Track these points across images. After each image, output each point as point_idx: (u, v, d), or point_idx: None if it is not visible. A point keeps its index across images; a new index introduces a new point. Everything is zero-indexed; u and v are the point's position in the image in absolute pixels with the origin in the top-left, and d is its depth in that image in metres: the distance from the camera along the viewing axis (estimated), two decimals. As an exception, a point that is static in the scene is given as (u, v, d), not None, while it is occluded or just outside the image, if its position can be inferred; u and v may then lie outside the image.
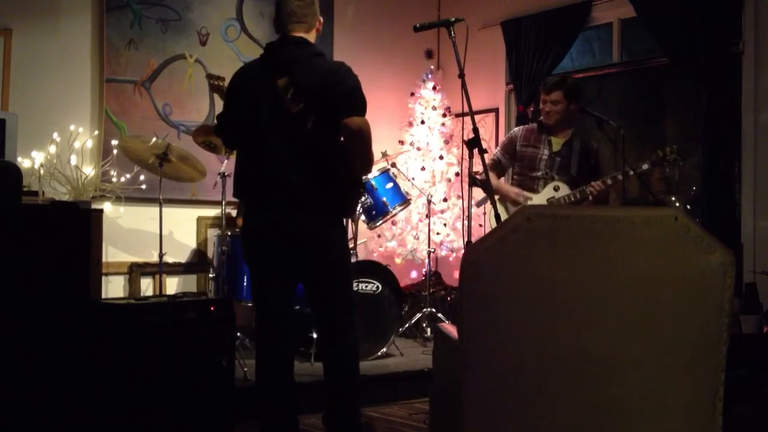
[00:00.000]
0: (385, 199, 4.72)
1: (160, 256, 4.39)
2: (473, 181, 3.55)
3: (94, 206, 4.08)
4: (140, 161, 4.50)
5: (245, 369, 3.96)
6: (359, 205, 4.65)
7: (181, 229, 5.25)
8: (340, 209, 3.11)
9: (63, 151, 4.61)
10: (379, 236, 5.82)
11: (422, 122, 5.95)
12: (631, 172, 4.10)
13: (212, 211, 5.30)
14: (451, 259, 5.93)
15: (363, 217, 4.82)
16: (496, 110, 6.15)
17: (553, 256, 1.71)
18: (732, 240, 4.49)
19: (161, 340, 3.18)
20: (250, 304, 4.21)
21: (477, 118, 3.38)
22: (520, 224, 1.70)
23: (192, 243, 5.31)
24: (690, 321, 1.75)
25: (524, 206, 1.77)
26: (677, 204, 5.07)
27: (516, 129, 4.58)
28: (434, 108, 5.99)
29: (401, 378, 4.29)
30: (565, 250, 1.71)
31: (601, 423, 1.75)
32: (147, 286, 5.04)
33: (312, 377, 3.95)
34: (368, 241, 5.86)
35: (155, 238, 4.46)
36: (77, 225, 3.39)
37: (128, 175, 4.79)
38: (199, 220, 5.33)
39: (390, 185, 4.80)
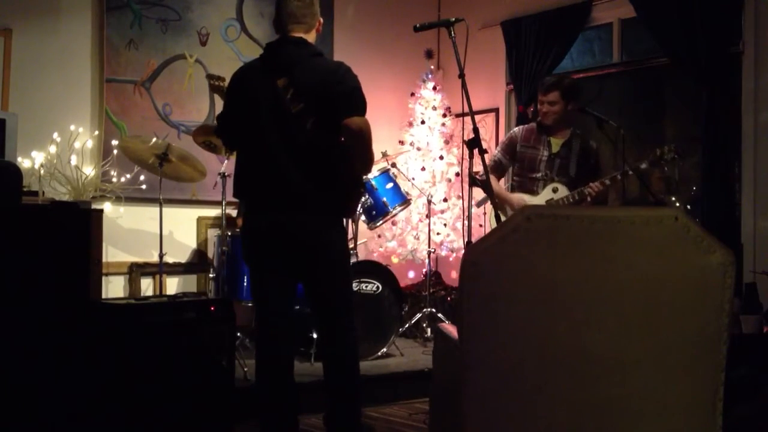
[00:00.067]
0: (385, 199, 4.72)
1: (160, 256, 4.39)
2: (473, 181, 3.55)
3: (94, 206, 4.08)
4: (140, 161, 4.50)
5: (245, 369, 3.96)
6: (359, 205, 4.65)
7: (181, 229, 5.25)
8: (340, 209, 3.11)
9: (63, 151, 4.61)
10: (379, 236, 5.82)
11: (422, 122, 5.95)
12: (630, 172, 4.10)
13: (212, 211, 5.30)
14: (451, 259, 5.93)
15: (363, 217, 4.82)
16: (496, 110, 6.15)
17: (553, 256, 1.71)
18: (732, 240, 4.49)
19: (161, 340, 3.18)
20: (250, 304, 4.21)
21: (477, 118, 3.38)
22: (520, 224, 1.70)
23: (192, 243, 5.31)
24: (690, 321, 1.75)
25: (524, 206, 1.77)
26: (677, 204, 5.07)
27: (516, 129, 4.57)
28: (434, 108, 5.99)
29: (401, 378, 4.29)
30: (565, 250, 1.71)
31: (601, 423, 1.75)
32: (147, 286, 5.04)
33: (312, 377, 3.95)
34: (368, 241, 5.86)
35: (155, 238, 4.46)
36: (77, 225, 3.39)
37: (128, 175, 4.79)
38: (199, 220, 5.33)
39: (390, 185, 4.80)
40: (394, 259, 5.80)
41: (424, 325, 5.34)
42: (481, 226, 5.31)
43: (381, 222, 4.89)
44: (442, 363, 2.54)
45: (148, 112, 5.12)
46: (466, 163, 3.35)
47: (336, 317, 3.07)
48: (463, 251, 4.73)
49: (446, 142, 5.93)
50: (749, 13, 4.69)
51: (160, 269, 4.49)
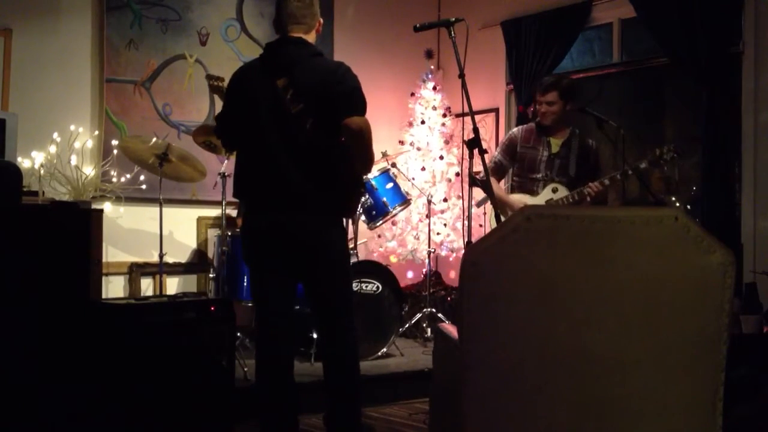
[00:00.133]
0: (385, 199, 4.72)
1: (161, 256, 4.39)
2: (473, 181, 3.54)
3: (94, 206, 4.09)
4: (140, 161, 4.50)
5: (245, 369, 3.96)
6: (359, 205, 4.65)
7: (181, 229, 5.25)
8: (340, 209, 3.11)
9: (63, 151, 4.61)
10: (379, 236, 5.82)
11: (422, 122, 5.95)
12: (630, 172, 4.10)
13: (212, 211, 5.30)
14: (451, 259, 5.93)
15: (363, 217, 4.82)
16: (496, 110, 6.15)
17: (553, 256, 1.71)
18: (732, 240, 4.49)
19: (161, 340, 3.18)
20: (250, 304, 4.21)
21: (477, 118, 3.38)
22: (520, 224, 1.70)
23: (192, 243, 5.31)
24: (690, 321, 1.75)
25: (524, 206, 1.77)
26: (677, 204, 5.07)
27: (515, 130, 4.57)
28: (434, 108, 5.99)
29: (401, 378, 4.29)
30: (565, 250, 1.71)
31: (601, 423, 1.75)
32: (147, 286, 5.04)
33: (312, 377, 3.95)
34: (368, 241, 5.86)
35: (155, 238, 4.46)
36: (77, 225, 3.40)
37: (128, 175, 4.79)
38: (199, 220, 5.33)
39: (390, 185, 4.80)
40: (393, 258, 5.80)
41: (424, 325, 5.34)
42: (481, 226, 5.31)
43: (381, 222, 4.89)
44: (442, 363, 2.54)
45: (148, 112, 5.12)
46: (466, 163, 3.35)
47: (336, 317, 3.07)
48: (463, 251, 4.73)
49: (446, 142, 5.93)
50: (749, 13, 4.69)
51: (160, 269, 4.49)
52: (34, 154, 4.47)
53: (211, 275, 4.69)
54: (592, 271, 1.72)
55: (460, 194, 5.33)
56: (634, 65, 5.50)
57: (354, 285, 4.39)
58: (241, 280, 4.40)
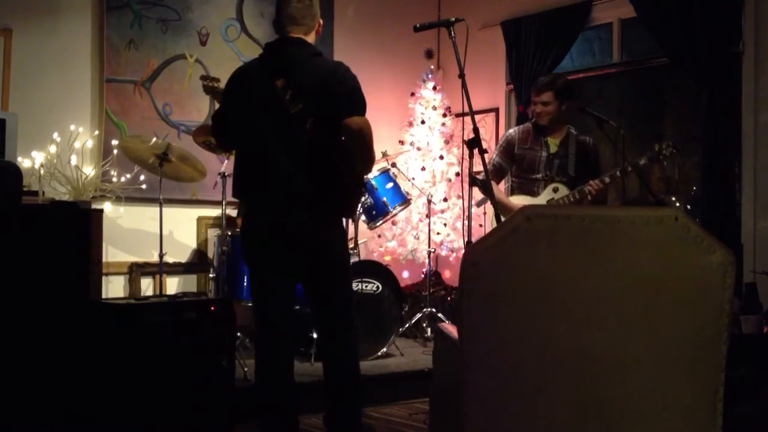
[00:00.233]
0: (385, 199, 4.72)
1: (161, 256, 4.39)
2: (473, 181, 3.54)
3: (94, 206, 4.08)
4: (140, 161, 4.50)
5: (245, 369, 3.96)
6: (359, 205, 4.65)
7: (181, 229, 5.25)
8: (340, 209, 3.11)
9: (63, 151, 4.61)
10: (379, 236, 5.82)
11: (422, 122, 5.95)
12: (629, 169, 4.09)
13: (212, 211, 5.30)
14: (451, 259, 5.93)
15: (363, 217, 4.82)
16: (496, 110, 6.15)
17: (553, 256, 1.71)
18: (732, 240, 4.49)
19: (161, 340, 3.18)
20: (250, 304, 4.21)
21: (477, 118, 3.38)
22: (520, 224, 1.70)
23: (192, 243, 5.31)
24: (690, 321, 1.75)
25: (524, 206, 1.77)
26: (677, 204, 5.07)
27: (511, 131, 4.54)
28: (434, 108, 5.99)
29: (401, 378, 4.29)
30: (565, 250, 1.71)
31: (601, 423, 1.75)
32: (147, 286, 5.04)
33: (312, 377, 3.95)
34: (368, 241, 5.86)
35: (155, 238, 4.46)
36: (77, 225, 3.40)
37: (128, 175, 4.78)
38: (199, 220, 5.33)
39: (390, 185, 4.80)
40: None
41: (424, 325, 5.34)
42: (481, 226, 5.31)
43: (381, 222, 4.89)
44: (442, 363, 2.54)
45: (148, 112, 5.12)
46: (466, 163, 3.35)
47: (336, 317, 3.07)
48: (463, 251, 4.73)
49: (446, 142, 5.93)
50: (749, 13, 4.69)
51: (160, 269, 4.49)
52: (34, 154, 4.47)
53: (211, 275, 4.68)
54: (592, 271, 1.72)
55: (460, 194, 5.33)
56: (634, 65, 5.50)
57: (354, 285, 4.39)
58: (241, 280, 4.40)
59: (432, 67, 6.20)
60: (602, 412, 1.75)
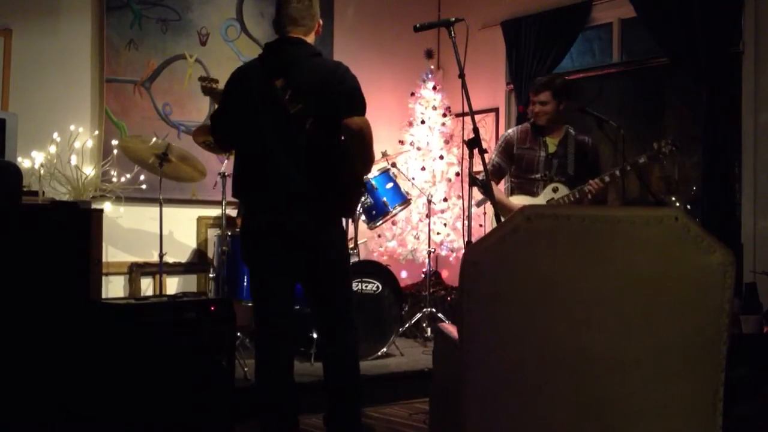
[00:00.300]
0: (385, 199, 4.72)
1: (160, 256, 4.39)
2: (473, 181, 3.54)
3: (94, 206, 4.08)
4: (140, 161, 4.50)
5: (245, 369, 3.96)
6: (359, 205, 4.65)
7: (181, 229, 5.25)
8: (340, 209, 3.11)
9: (63, 151, 4.61)
10: (379, 236, 5.82)
11: (422, 122, 5.95)
12: (629, 168, 4.09)
13: (212, 211, 5.30)
14: (451, 259, 5.93)
15: (363, 217, 4.82)
16: (496, 110, 6.15)
17: (553, 256, 1.71)
18: (732, 240, 4.49)
19: (161, 340, 3.18)
20: (250, 304, 4.21)
21: (477, 118, 3.38)
22: (520, 224, 1.70)
23: (192, 243, 5.31)
24: (690, 321, 1.75)
25: (524, 206, 1.77)
26: (677, 204, 5.07)
27: (510, 131, 4.54)
28: (434, 108, 5.99)
29: (401, 378, 4.29)
30: (565, 250, 1.71)
31: (601, 423, 1.75)
32: (147, 286, 5.04)
33: (312, 377, 3.95)
34: (368, 241, 5.86)
35: (155, 238, 4.46)
36: (77, 225, 3.40)
37: (128, 175, 4.79)
38: (199, 220, 5.33)
39: (390, 185, 4.80)
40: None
41: (424, 325, 5.34)
42: (481, 226, 5.31)
43: (381, 222, 4.89)
44: (442, 363, 2.54)
45: (148, 112, 5.12)
46: (466, 163, 3.35)
47: (336, 317, 3.07)
48: (463, 251, 4.73)
49: (446, 142, 5.94)
50: (749, 13, 4.69)
51: (160, 269, 4.49)
52: (34, 154, 4.47)
53: (211, 275, 4.68)
54: (592, 271, 1.72)
55: (460, 194, 5.33)
56: (634, 65, 5.50)
57: (354, 285, 4.39)
58: (241, 280, 4.40)
59: (432, 67, 6.20)
60: (602, 412, 1.74)
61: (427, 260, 5.51)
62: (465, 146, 3.15)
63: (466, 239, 3.43)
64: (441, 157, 5.86)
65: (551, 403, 1.74)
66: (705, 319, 1.76)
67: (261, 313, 3.08)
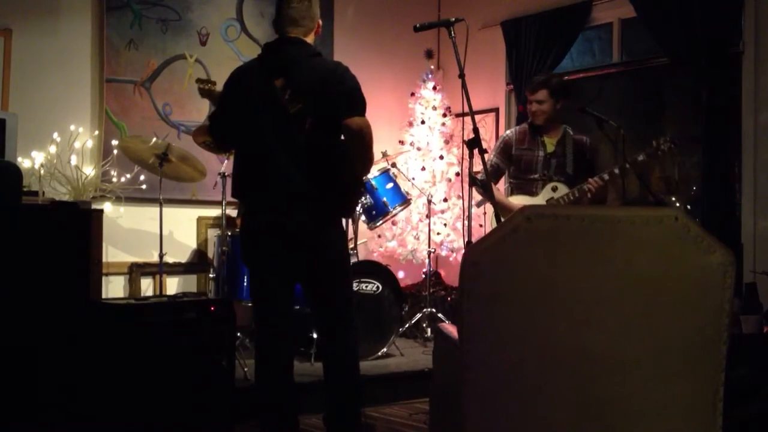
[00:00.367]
0: (385, 199, 4.72)
1: (161, 256, 4.39)
2: (473, 181, 3.54)
3: (94, 206, 4.08)
4: (140, 161, 4.50)
5: (245, 369, 3.96)
6: (359, 205, 4.65)
7: (181, 229, 5.25)
8: (340, 209, 3.11)
9: (63, 151, 4.61)
10: (379, 236, 5.82)
11: (422, 122, 5.95)
12: (628, 165, 4.09)
13: (212, 211, 5.30)
14: (451, 259, 5.93)
15: (363, 217, 4.82)
16: (496, 110, 6.15)
17: (553, 256, 1.71)
18: (732, 240, 4.49)
19: (161, 340, 3.18)
20: (250, 304, 4.21)
21: (477, 118, 3.38)
22: (520, 224, 1.70)
23: (192, 243, 5.31)
24: (690, 321, 1.75)
25: (524, 206, 1.77)
26: (677, 204, 5.07)
27: (508, 132, 4.56)
28: (434, 108, 5.99)
29: (401, 378, 4.29)
30: (565, 250, 1.71)
31: (601, 423, 1.75)
32: (147, 286, 5.04)
33: (312, 377, 3.95)
34: (368, 241, 5.86)
35: (155, 238, 4.46)
36: (77, 225, 3.40)
37: (128, 175, 4.78)
38: (199, 220, 5.33)
39: (390, 185, 4.80)
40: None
41: (424, 325, 5.34)
42: (481, 226, 5.31)
43: (381, 222, 4.89)
44: (442, 363, 2.54)
45: (148, 112, 5.12)
46: (466, 163, 3.35)
47: (336, 317, 3.07)
48: (463, 251, 4.73)
49: (446, 142, 5.94)
50: (749, 13, 4.69)
51: (160, 269, 4.49)
52: (34, 154, 4.47)
53: (211, 275, 4.69)
54: (592, 271, 1.72)
55: (460, 194, 5.33)
56: (634, 65, 5.50)
57: (354, 285, 4.39)
58: (241, 280, 4.40)
59: (432, 67, 6.20)
60: (602, 412, 1.74)
61: (427, 260, 5.51)
62: (465, 146, 3.15)
63: (466, 239, 3.43)
64: (441, 157, 5.86)
65: (551, 403, 1.74)
66: (705, 319, 1.76)
67: (261, 313, 3.08)
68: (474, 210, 3.96)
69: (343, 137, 2.96)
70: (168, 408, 3.17)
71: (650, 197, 4.37)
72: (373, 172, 4.69)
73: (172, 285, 5.17)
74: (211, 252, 4.98)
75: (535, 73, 5.60)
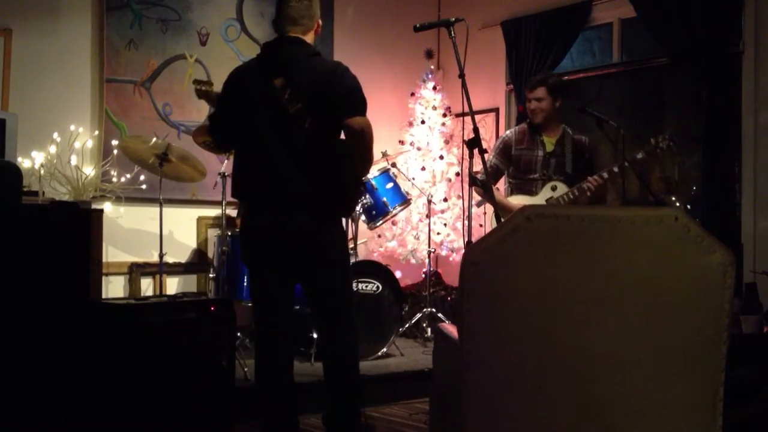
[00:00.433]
0: (385, 199, 4.72)
1: (160, 256, 4.39)
2: (473, 181, 3.55)
3: (94, 206, 4.08)
4: (140, 161, 4.50)
5: (245, 369, 3.96)
6: (359, 205, 4.65)
7: (181, 229, 5.25)
8: (340, 209, 3.11)
9: (63, 151, 4.61)
10: (379, 236, 5.82)
11: (422, 122, 5.95)
12: (627, 164, 4.09)
13: (212, 211, 5.30)
14: (451, 259, 5.93)
15: (363, 217, 4.82)
16: (496, 110, 6.15)
17: (553, 256, 1.71)
18: (732, 240, 4.49)
19: (161, 340, 3.18)
20: (250, 304, 4.21)
21: (477, 118, 3.38)
22: (520, 224, 1.70)
23: (192, 243, 5.31)
24: (690, 321, 1.75)
25: (524, 206, 1.77)
26: (677, 204, 5.07)
27: (508, 132, 4.56)
28: (434, 108, 5.99)
29: (401, 378, 4.29)
30: (565, 250, 1.71)
31: (601, 423, 1.75)
32: (147, 286, 5.04)
33: (312, 377, 3.95)
34: (368, 241, 5.86)
35: (155, 238, 4.46)
36: (77, 225, 3.40)
37: (128, 175, 4.78)
38: (199, 220, 5.33)
39: (390, 185, 4.80)
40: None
41: (424, 325, 5.34)
42: (481, 226, 5.31)
43: (381, 222, 4.89)
44: (442, 363, 2.54)
45: (148, 112, 5.12)
46: (466, 163, 3.35)
47: (336, 317, 3.07)
48: (463, 251, 4.73)
49: (446, 142, 5.94)
50: (749, 13, 4.69)
51: (160, 269, 4.49)
52: (34, 154, 4.47)
53: (211, 275, 4.68)
54: (592, 271, 1.72)
55: (460, 194, 5.33)
56: (634, 65, 5.50)
57: (354, 285, 4.39)
58: (241, 280, 4.40)
59: (432, 67, 6.20)
60: (602, 412, 1.74)
61: (427, 260, 5.51)
62: (465, 146, 3.15)
63: (466, 239, 3.43)
64: (441, 157, 5.86)
65: (551, 403, 1.74)
66: (705, 319, 1.76)
67: (261, 313, 3.08)
68: (474, 210, 3.96)
69: (343, 137, 2.96)
70: (168, 408, 3.17)
71: (650, 197, 4.37)
72: (373, 172, 4.69)
73: (172, 285, 5.17)
74: (211, 252, 4.98)
75: (536, 73, 5.61)
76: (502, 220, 3.06)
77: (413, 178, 5.69)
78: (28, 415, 3.11)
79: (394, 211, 4.82)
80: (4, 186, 3.27)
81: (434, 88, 6.02)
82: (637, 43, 5.47)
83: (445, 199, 5.78)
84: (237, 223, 4.95)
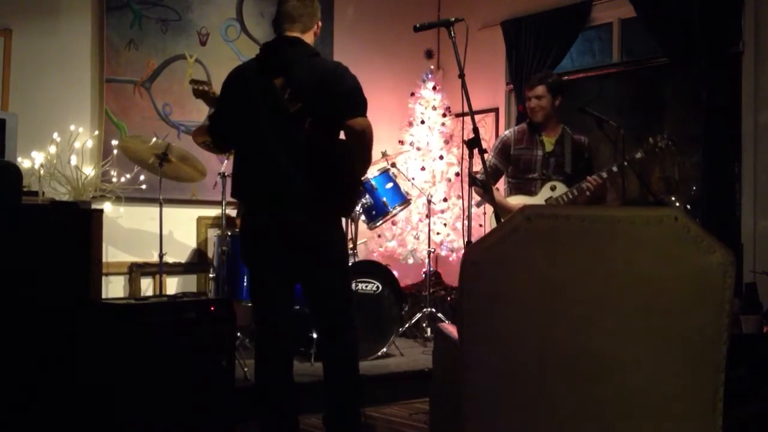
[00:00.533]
0: (385, 199, 4.72)
1: (160, 256, 4.39)
2: (473, 181, 3.55)
3: (94, 206, 4.08)
4: (140, 161, 4.50)
5: (245, 369, 3.96)
6: (359, 205, 4.65)
7: (181, 229, 5.25)
8: (339, 209, 3.11)
9: (63, 151, 4.61)
10: (379, 236, 5.82)
11: (422, 122, 5.95)
12: (626, 163, 4.09)
13: (212, 211, 5.30)
14: (451, 259, 5.93)
15: (363, 217, 4.82)
16: (496, 110, 6.15)
17: (553, 256, 1.71)
18: (732, 240, 4.49)
19: (161, 340, 3.18)
20: (250, 304, 4.21)
21: (477, 118, 3.38)
22: (520, 224, 1.70)
23: (192, 243, 5.31)
24: (690, 321, 1.75)
25: (524, 206, 1.77)
26: (677, 204, 5.07)
27: (507, 132, 4.57)
28: (434, 108, 5.99)
29: (401, 378, 4.29)
30: (565, 250, 1.71)
31: (601, 423, 1.75)
32: (147, 286, 5.04)
33: (312, 377, 3.95)
34: (368, 241, 5.86)
35: (155, 238, 4.46)
36: (77, 225, 3.40)
37: (128, 175, 4.78)
38: (199, 220, 5.33)
39: (390, 185, 4.80)
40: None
41: (424, 325, 5.34)
42: (481, 226, 5.31)
43: (381, 222, 4.89)
44: (442, 363, 2.54)
45: (148, 112, 5.12)
46: (465, 163, 3.35)
47: (336, 317, 3.07)
48: (463, 251, 4.73)
49: (446, 142, 5.94)
50: (749, 13, 4.69)
51: (160, 269, 4.49)
52: (34, 154, 4.46)
53: (211, 275, 4.68)
54: (592, 271, 1.72)
55: (460, 194, 5.33)
56: (634, 65, 5.50)
57: (354, 285, 4.39)
58: (241, 280, 4.40)
59: (432, 67, 6.20)
60: (602, 412, 1.74)
61: (427, 260, 5.51)
62: (465, 146, 3.15)
63: (466, 239, 3.43)
64: (441, 157, 5.86)
65: (551, 403, 1.74)
66: (705, 319, 1.76)
67: (261, 313, 3.08)
68: (474, 210, 3.97)
69: (344, 137, 2.96)
70: (168, 408, 3.17)
71: (650, 197, 4.37)
72: (373, 172, 4.69)
73: (172, 285, 5.17)
74: (211, 252, 4.98)
75: (535, 73, 5.61)
76: (502, 220, 3.06)
77: (413, 178, 5.69)
78: (28, 415, 3.11)
79: (394, 211, 4.82)
80: (4, 186, 3.27)
81: (434, 88, 6.02)
82: (636, 43, 5.47)
83: (445, 199, 5.78)
84: (237, 223, 4.95)
